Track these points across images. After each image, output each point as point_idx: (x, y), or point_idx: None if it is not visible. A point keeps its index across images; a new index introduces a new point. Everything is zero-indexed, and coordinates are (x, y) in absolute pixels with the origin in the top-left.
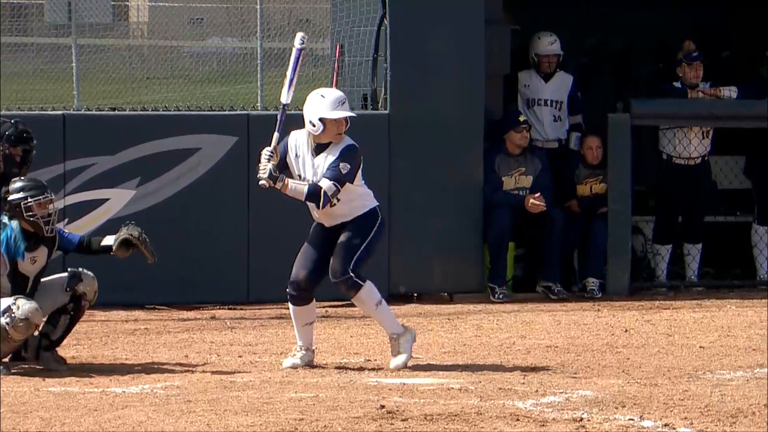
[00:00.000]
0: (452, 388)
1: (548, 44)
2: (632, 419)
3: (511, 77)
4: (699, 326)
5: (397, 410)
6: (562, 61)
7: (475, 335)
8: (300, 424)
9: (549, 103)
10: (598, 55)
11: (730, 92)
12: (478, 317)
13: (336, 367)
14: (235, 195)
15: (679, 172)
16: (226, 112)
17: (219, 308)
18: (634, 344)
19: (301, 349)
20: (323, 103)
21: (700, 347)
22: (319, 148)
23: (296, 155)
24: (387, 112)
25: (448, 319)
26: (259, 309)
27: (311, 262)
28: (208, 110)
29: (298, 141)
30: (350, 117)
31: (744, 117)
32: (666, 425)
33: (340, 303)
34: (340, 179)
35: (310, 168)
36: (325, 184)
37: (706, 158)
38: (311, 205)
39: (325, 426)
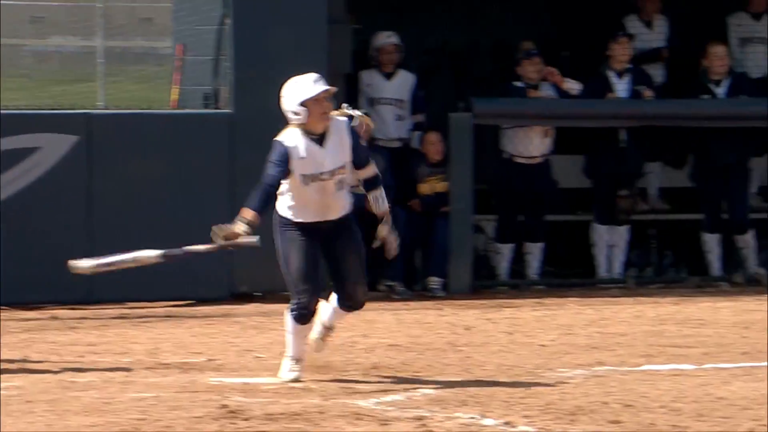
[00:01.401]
0: (294, 387)
1: (386, 37)
2: (473, 417)
3: (354, 76)
4: (540, 324)
5: (239, 410)
6: (404, 60)
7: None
8: (141, 425)
9: (391, 101)
10: (439, 54)
11: (573, 84)
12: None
13: (178, 367)
14: (75, 193)
15: (521, 171)
16: (67, 111)
17: (60, 308)
18: (476, 343)
19: (298, 361)
20: (297, 89)
21: (541, 345)
22: (321, 139)
23: (301, 157)
24: (230, 111)
25: None
26: (101, 309)
27: (315, 278)
28: (48, 109)
29: (295, 143)
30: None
31: (584, 116)
32: (507, 423)
33: (181, 303)
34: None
35: (327, 157)
36: (373, 168)
37: (548, 157)
38: (327, 202)
39: (166, 426)
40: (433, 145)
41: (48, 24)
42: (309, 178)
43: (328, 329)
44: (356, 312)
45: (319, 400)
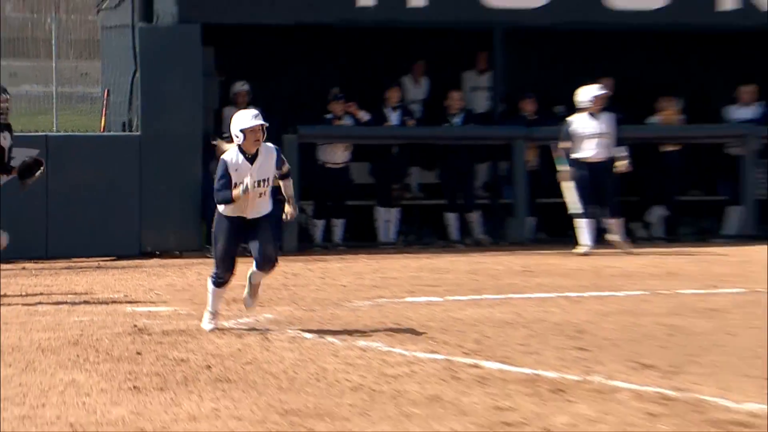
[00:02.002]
0: (181, 313)
1: (240, 85)
2: (298, 333)
3: (219, 111)
4: (342, 272)
5: (145, 328)
6: (252, 99)
7: (196, 279)
8: (80, 338)
9: None
10: (276, 95)
11: (364, 115)
12: (199, 267)
13: (105, 301)
14: (38, 190)
15: (330, 173)
16: (32, 134)
17: (27, 262)
18: (300, 284)
19: (215, 315)
20: (241, 119)
21: (342, 285)
22: (252, 158)
23: (235, 169)
24: (138, 133)
25: (179, 268)
26: (54, 262)
27: (232, 260)
28: (19, 132)
29: (233, 158)
30: (266, 127)
31: (370, 137)
32: (320, 336)
33: (107, 258)
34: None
35: (253, 172)
36: (286, 166)
37: (347, 163)
38: (252, 205)
39: (97, 339)
40: None
41: (20, 77)
42: (237, 185)
43: (253, 286)
44: (269, 271)
45: (197, 322)
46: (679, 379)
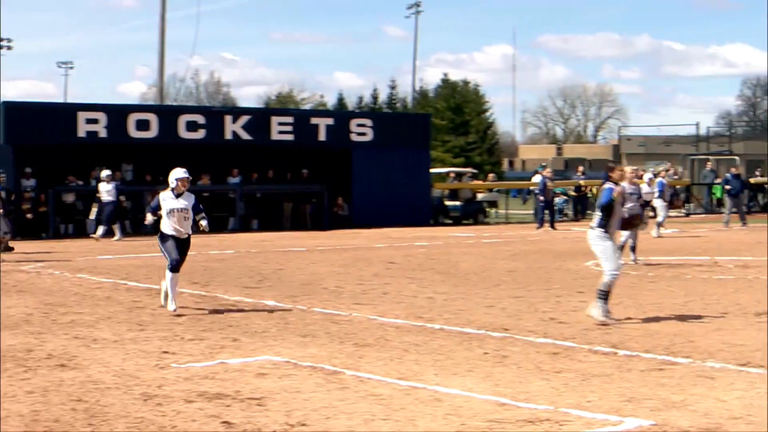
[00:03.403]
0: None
1: (27, 169)
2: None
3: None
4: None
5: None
6: (32, 174)
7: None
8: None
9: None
10: (52, 172)
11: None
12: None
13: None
14: None
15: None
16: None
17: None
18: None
19: (174, 300)
20: (177, 173)
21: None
22: (178, 195)
23: (164, 200)
24: None
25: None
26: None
27: (178, 252)
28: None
29: (165, 195)
30: (189, 180)
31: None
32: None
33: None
34: (203, 209)
35: (179, 204)
36: (201, 213)
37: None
38: (181, 227)
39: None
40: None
41: None
42: (169, 212)
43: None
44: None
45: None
46: (253, 293)
